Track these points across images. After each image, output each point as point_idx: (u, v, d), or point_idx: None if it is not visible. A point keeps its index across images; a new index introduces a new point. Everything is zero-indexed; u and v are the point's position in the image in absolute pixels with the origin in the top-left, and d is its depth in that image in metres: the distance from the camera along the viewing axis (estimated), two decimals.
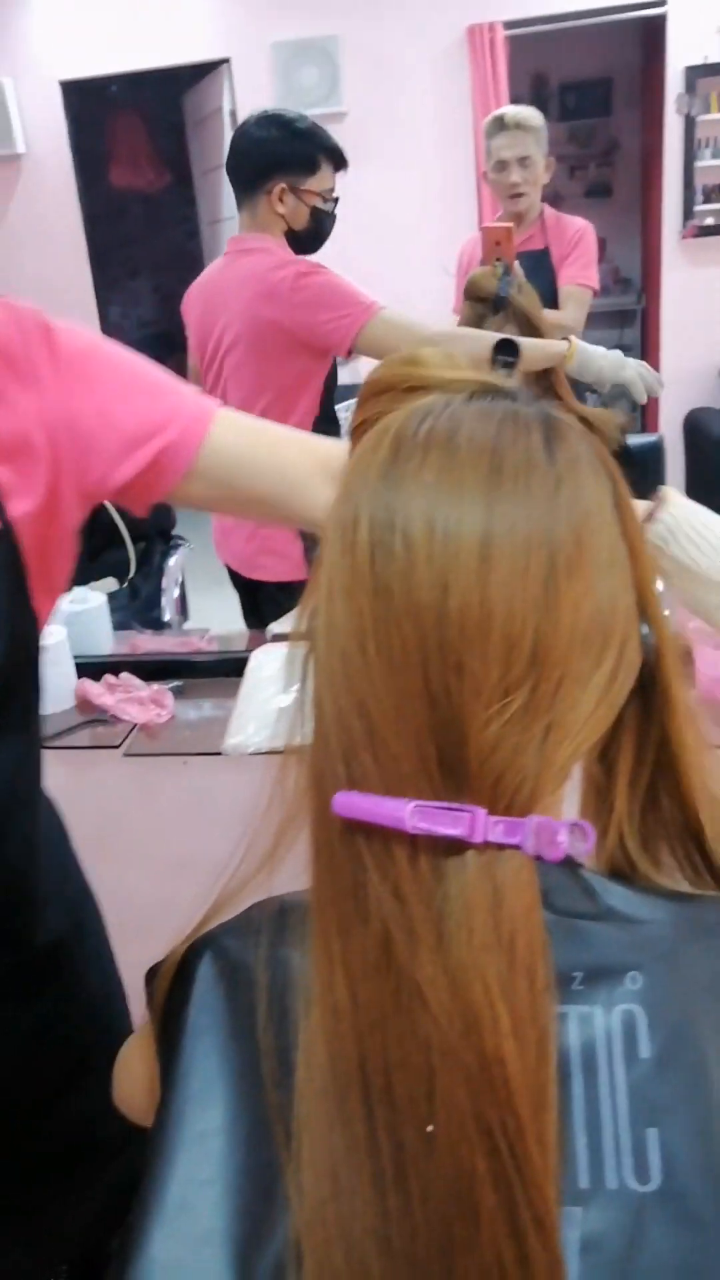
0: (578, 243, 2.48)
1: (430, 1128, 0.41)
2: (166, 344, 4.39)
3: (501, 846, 0.43)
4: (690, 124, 3.75)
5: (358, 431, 0.51)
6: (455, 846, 0.43)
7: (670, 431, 3.85)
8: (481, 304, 1.71)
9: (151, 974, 0.58)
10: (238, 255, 1.78)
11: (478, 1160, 0.40)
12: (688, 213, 3.87)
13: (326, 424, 1.86)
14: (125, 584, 2.10)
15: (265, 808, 0.51)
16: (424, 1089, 0.42)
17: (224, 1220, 0.44)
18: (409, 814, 0.42)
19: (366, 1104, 0.42)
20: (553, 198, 2.77)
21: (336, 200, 1.79)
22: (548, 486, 0.43)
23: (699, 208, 3.86)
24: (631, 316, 5.01)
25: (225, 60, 3.75)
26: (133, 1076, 0.62)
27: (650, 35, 4.07)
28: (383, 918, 0.43)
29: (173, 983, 0.53)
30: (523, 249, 2.28)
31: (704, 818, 0.51)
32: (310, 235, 1.78)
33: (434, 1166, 0.41)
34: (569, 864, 0.47)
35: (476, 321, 1.70)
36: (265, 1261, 0.42)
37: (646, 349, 4.48)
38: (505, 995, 0.42)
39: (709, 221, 3.88)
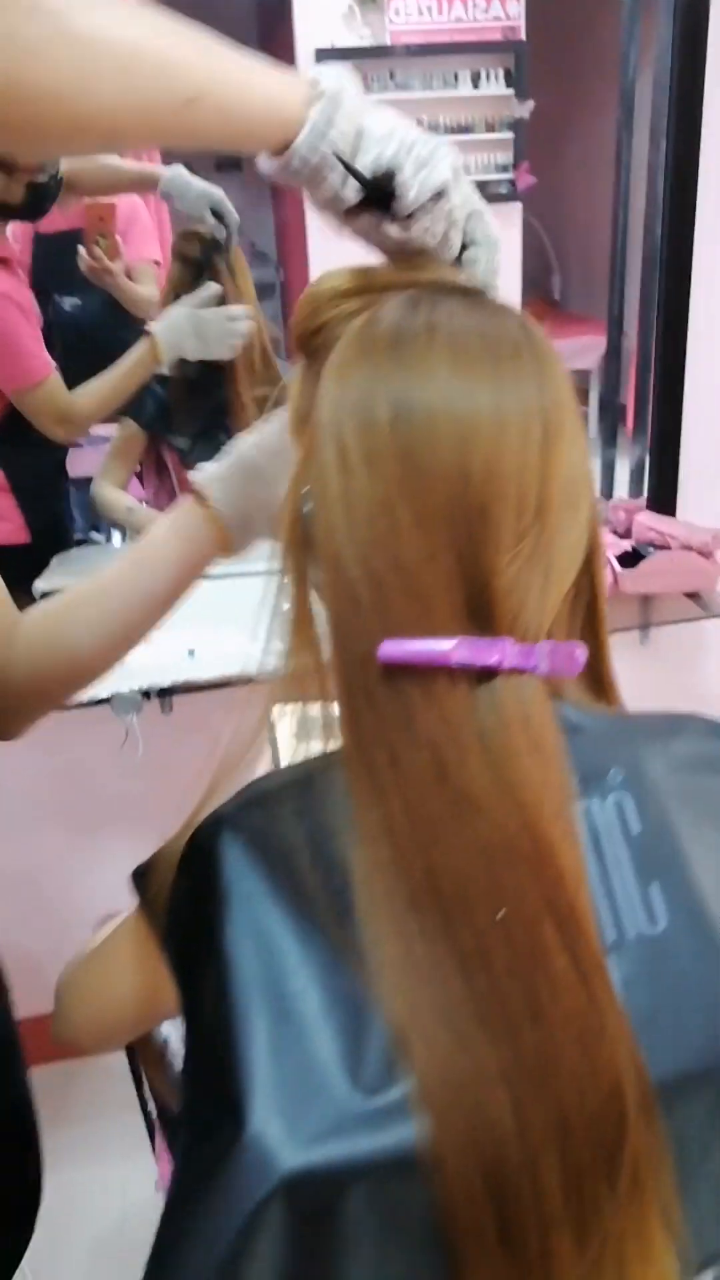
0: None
1: (501, 913, 0.48)
2: None
3: (522, 671, 0.50)
4: None
5: (314, 335, 0.56)
6: (484, 675, 0.50)
7: None
8: (188, 265, 1.74)
9: (141, 873, 0.59)
10: None
11: (546, 930, 0.48)
12: None
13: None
14: None
15: (249, 691, 0.54)
16: (490, 881, 0.48)
17: (325, 1039, 0.47)
18: (454, 649, 0.49)
19: (441, 908, 0.48)
20: None
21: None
22: (535, 366, 0.51)
23: None
24: (270, 290, 5.17)
25: None
26: (108, 990, 0.62)
27: (268, 15, 4.18)
28: (432, 742, 0.49)
29: (181, 869, 0.55)
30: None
31: (604, 656, 0.62)
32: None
33: (511, 945, 0.48)
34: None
35: (188, 283, 1.71)
36: (371, 1057, 0.47)
37: (287, 320, 4.65)
38: (546, 791, 0.49)
39: None
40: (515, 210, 2.93)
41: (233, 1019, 0.48)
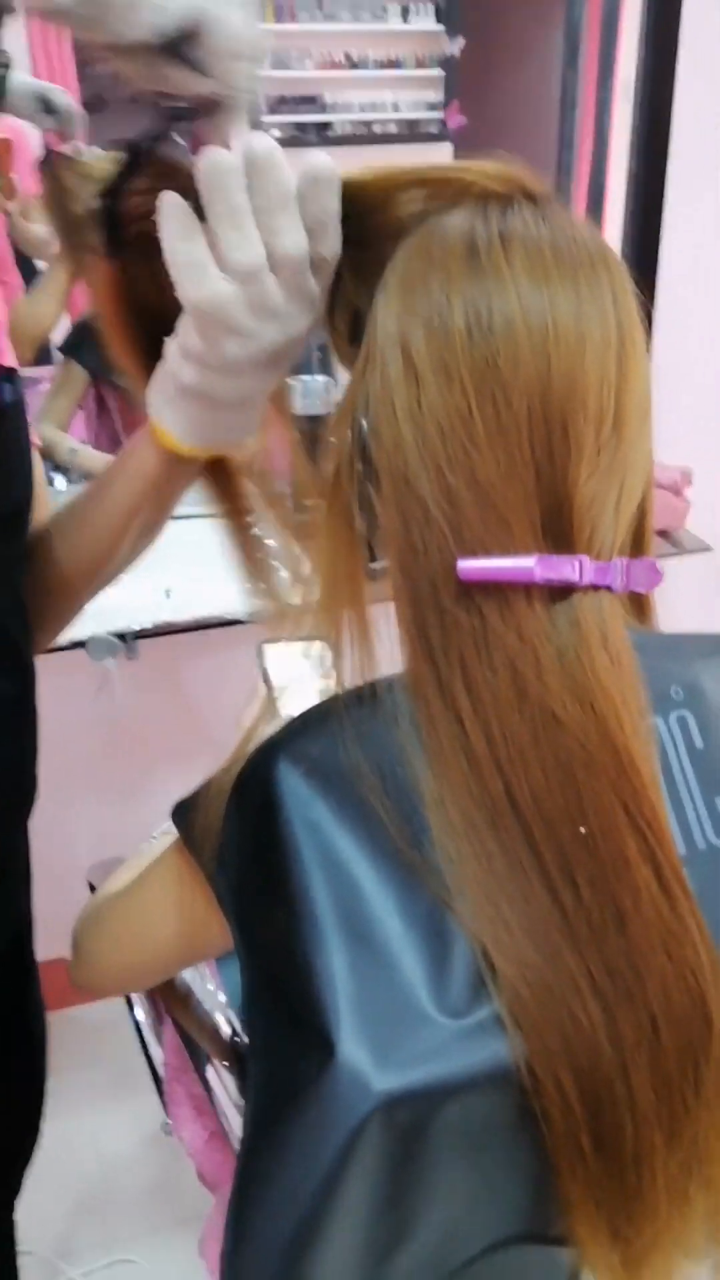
0: None
1: (583, 828, 0.48)
2: None
3: (598, 588, 0.50)
4: None
5: (380, 215, 0.53)
6: (560, 593, 0.50)
7: None
8: None
9: (184, 810, 0.57)
10: None
11: (628, 842, 0.48)
12: None
13: None
14: None
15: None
16: (572, 797, 0.48)
17: (409, 962, 0.47)
18: (537, 566, 0.48)
19: (522, 825, 0.48)
20: None
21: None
22: (609, 277, 0.50)
23: None
24: None
25: None
26: (146, 934, 0.61)
27: None
28: (509, 660, 0.49)
29: (234, 802, 0.53)
30: None
31: None
32: None
33: (594, 858, 0.48)
34: None
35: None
36: (457, 977, 0.47)
37: None
38: (625, 706, 0.50)
39: None
40: (445, 150, 2.89)
41: (310, 949, 0.47)
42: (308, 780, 0.51)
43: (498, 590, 0.49)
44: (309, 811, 0.50)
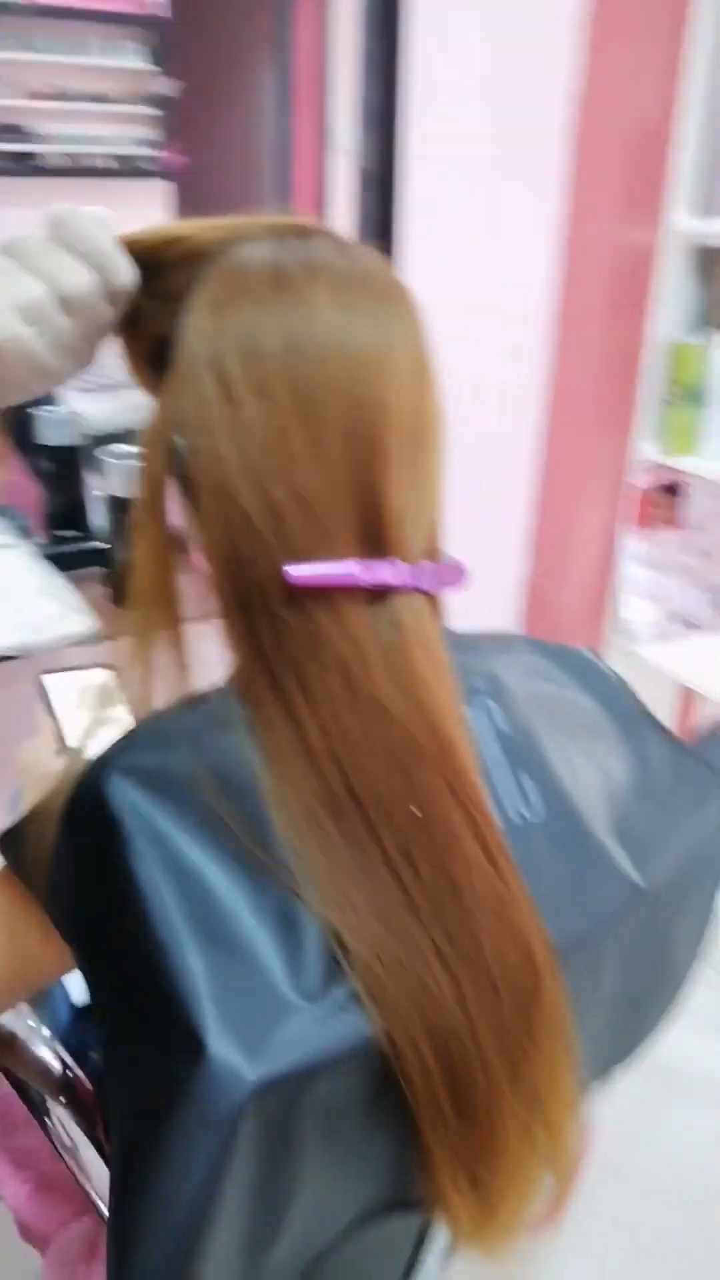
0: None
1: (416, 810, 0.52)
2: None
3: (413, 589, 0.55)
4: None
5: (174, 267, 0.56)
6: (379, 595, 0.54)
7: None
8: None
9: (10, 838, 0.56)
10: None
11: (455, 819, 0.53)
12: None
13: None
14: None
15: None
16: (403, 782, 0.52)
17: (264, 954, 0.48)
18: (359, 571, 0.52)
19: (360, 812, 0.51)
20: None
21: None
22: (404, 305, 0.55)
23: None
24: None
25: None
26: None
27: None
28: (340, 659, 0.52)
29: (67, 825, 0.52)
30: None
31: None
32: None
33: (428, 836, 0.52)
34: None
35: None
36: (311, 963, 0.49)
37: None
38: (443, 695, 0.54)
39: None
40: (163, 188, 2.92)
41: (167, 955, 0.47)
42: (145, 793, 0.51)
43: (324, 594, 0.52)
44: (152, 824, 0.50)
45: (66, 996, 0.84)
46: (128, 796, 0.51)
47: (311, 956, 0.49)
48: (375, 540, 0.54)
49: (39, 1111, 0.81)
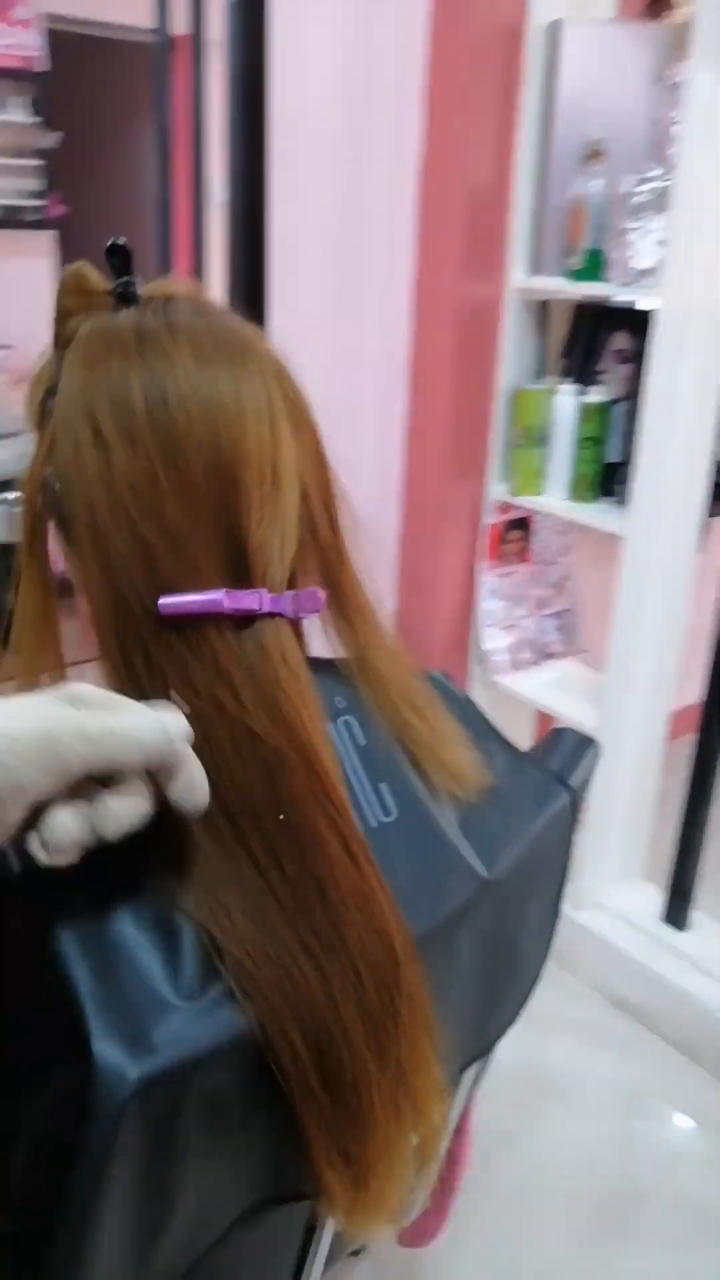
0: None
1: (282, 816, 0.57)
2: None
3: (274, 615, 0.60)
4: None
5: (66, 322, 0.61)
6: (244, 621, 0.59)
7: None
8: None
9: None
10: None
11: (320, 824, 0.58)
12: None
13: None
14: None
15: None
16: (271, 792, 0.57)
17: (144, 959, 0.52)
18: (225, 599, 0.57)
19: (230, 821, 0.56)
20: None
21: None
22: (258, 361, 0.61)
23: None
24: None
25: None
26: None
27: None
28: (208, 685, 0.57)
29: None
30: None
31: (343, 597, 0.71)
32: None
33: (294, 840, 0.57)
34: None
35: None
36: (188, 963, 0.53)
37: None
38: (307, 711, 0.59)
39: None
40: (46, 238, 2.93)
41: (50, 969, 0.51)
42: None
43: (194, 622, 0.57)
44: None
45: None
46: None
47: (189, 959, 0.53)
48: (240, 572, 0.59)
49: None
